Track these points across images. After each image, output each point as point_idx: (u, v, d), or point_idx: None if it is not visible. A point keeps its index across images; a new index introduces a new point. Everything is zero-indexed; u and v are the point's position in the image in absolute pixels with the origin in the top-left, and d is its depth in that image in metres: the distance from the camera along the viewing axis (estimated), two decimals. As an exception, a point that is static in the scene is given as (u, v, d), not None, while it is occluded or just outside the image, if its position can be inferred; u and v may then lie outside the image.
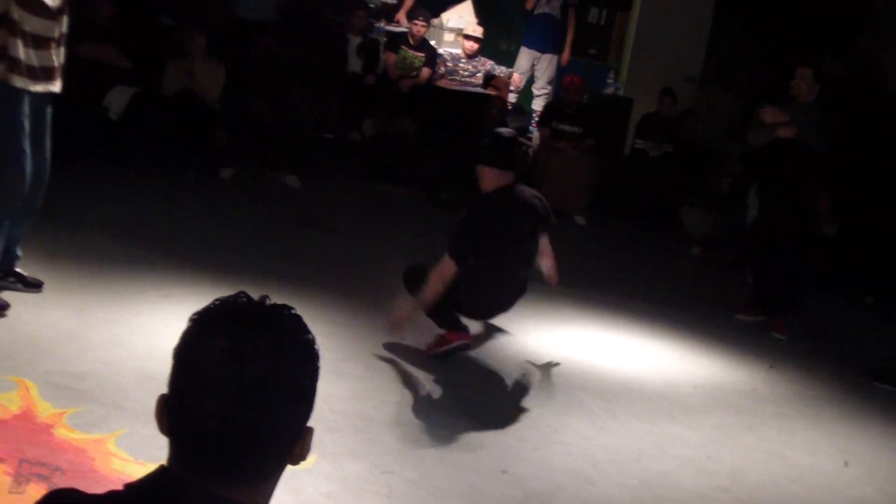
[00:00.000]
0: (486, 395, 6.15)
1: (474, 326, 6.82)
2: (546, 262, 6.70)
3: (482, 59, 12.74)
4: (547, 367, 6.68)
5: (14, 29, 5.49)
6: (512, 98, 13.18)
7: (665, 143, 12.02)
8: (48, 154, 5.93)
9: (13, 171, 5.66)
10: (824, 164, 8.50)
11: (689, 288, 9.70)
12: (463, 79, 12.59)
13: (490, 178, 6.36)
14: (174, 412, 1.69)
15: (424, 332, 6.62)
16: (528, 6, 13.07)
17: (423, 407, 5.71)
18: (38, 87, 5.66)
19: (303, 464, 1.80)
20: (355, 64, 12.20)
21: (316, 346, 1.76)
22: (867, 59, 13.02)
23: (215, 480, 1.66)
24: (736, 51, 14.43)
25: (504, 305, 6.57)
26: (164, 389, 1.72)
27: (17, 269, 6.09)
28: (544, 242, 6.62)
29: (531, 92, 13.39)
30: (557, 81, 13.20)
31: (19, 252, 6.08)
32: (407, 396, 5.81)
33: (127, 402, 4.93)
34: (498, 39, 14.02)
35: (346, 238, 8.97)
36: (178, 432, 1.69)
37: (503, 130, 6.73)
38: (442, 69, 12.47)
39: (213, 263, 7.32)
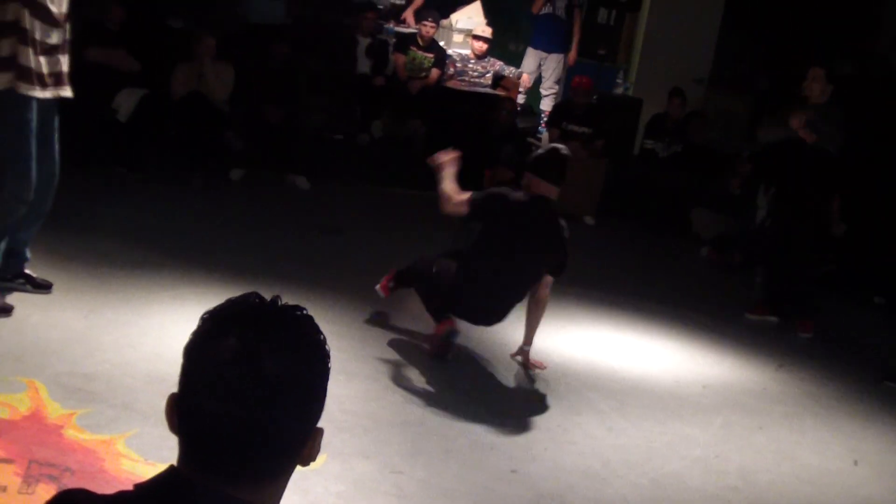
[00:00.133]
0: (496, 396, 6.15)
1: (490, 330, 6.83)
2: (531, 315, 6.61)
3: (491, 59, 12.74)
4: (556, 367, 6.67)
5: (25, 37, 5.51)
6: (521, 99, 13.19)
7: (674, 144, 12.01)
8: (57, 157, 5.95)
9: (20, 176, 5.68)
10: (838, 166, 8.46)
11: (699, 288, 9.69)
12: (472, 79, 12.59)
13: (534, 186, 6.43)
14: (184, 411, 1.69)
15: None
16: (535, 10, 13.08)
17: (432, 407, 5.71)
18: (48, 94, 5.70)
19: (312, 464, 1.79)
20: (364, 65, 12.20)
21: (327, 347, 1.75)
22: (879, 60, 12.98)
23: (225, 480, 1.66)
24: (745, 52, 14.41)
25: (479, 310, 6.57)
26: (174, 390, 1.72)
27: (27, 271, 6.11)
28: (544, 284, 6.53)
29: (539, 93, 13.39)
30: (566, 81, 13.20)
31: (28, 254, 6.10)
32: (417, 397, 5.81)
33: (136, 403, 4.93)
34: (506, 40, 14.01)
35: (356, 239, 8.98)
36: (188, 431, 1.69)
37: (561, 147, 6.73)
38: (451, 70, 12.47)
39: (223, 265, 7.33)
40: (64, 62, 5.77)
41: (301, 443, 1.73)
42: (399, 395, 5.78)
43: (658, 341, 7.67)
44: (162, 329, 5.94)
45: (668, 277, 9.87)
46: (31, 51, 5.54)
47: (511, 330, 6.84)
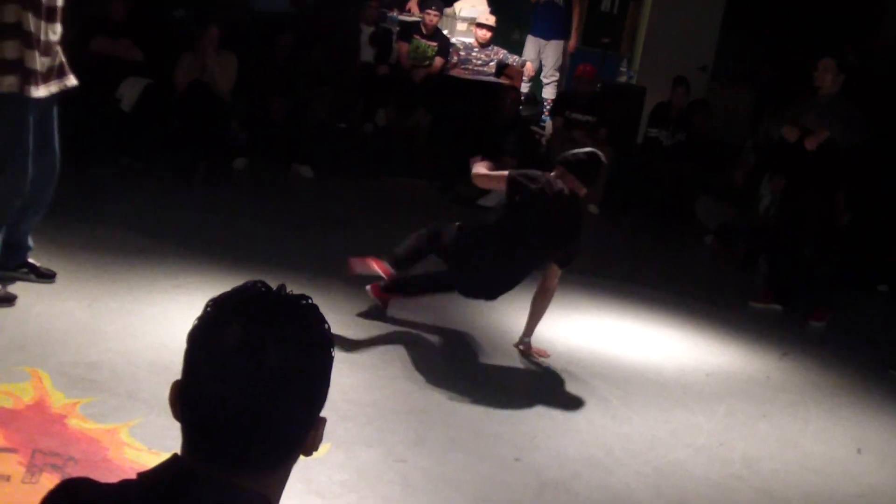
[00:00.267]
0: (499, 384, 6.15)
1: (494, 318, 6.82)
2: (536, 304, 6.59)
3: (495, 48, 12.72)
4: (560, 356, 6.67)
5: (29, 40, 5.51)
6: (525, 87, 13.17)
7: (678, 133, 11.98)
8: (57, 149, 5.95)
9: (15, 172, 5.69)
10: (843, 162, 8.42)
11: (702, 277, 9.68)
12: (476, 68, 12.57)
13: (566, 180, 6.47)
14: (187, 399, 1.69)
15: (438, 320, 6.64)
16: None
17: (436, 396, 5.71)
18: (52, 89, 5.72)
19: (316, 453, 1.79)
20: (368, 54, 12.19)
21: (331, 336, 1.75)
22: (882, 54, 12.92)
23: (228, 469, 1.66)
24: (748, 43, 14.37)
25: (478, 279, 6.57)
26: (178, 378, 1.72)
27: (30, 260, 6.12)
28: (552, 274, 6.52)
29: (541, 81, 13.37)
30: (570, 70, 13.18)
31: (31, 243, 6.11)
32: (420, 386, 5.81)
33: (140, 392, 4.94)
34: (510, 29, 14.00)
35: (360, 229, 8.97)
36: (191, 419, 1.69)
37: (600, 154, 6.78)
38: (455, 58, 12.46)
39: (227, 254, 7.33)
40: (60, 52, 5.78)
41: (304, 432, 1.72)
42: (403, 384, 5.78)
43: (662, 330, 7.67)
44: (165, 318, 5.94)
45: (671, 266, 9.86)
46: (36, 53, 5.56)
47: (514, 319, 6.83)
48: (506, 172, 6.49)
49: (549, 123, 12.61)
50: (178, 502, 1.64)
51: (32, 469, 4.08)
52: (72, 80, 5.87)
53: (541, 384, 6.24)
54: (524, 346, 6.59)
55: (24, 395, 4.70)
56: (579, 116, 11.83)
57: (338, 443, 4.76)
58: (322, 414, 1.76)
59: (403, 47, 12.19)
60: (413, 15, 12.93)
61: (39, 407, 4.64)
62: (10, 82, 5.51)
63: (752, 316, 8.44)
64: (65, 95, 5.91)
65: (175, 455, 1.70)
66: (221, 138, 10.03)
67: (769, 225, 9.73)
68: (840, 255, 10.05)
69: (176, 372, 1.72)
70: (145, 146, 9.75)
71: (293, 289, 1.76)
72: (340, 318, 6.37)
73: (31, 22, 5.50)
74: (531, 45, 13.26)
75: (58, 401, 4.71)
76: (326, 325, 1.75)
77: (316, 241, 8.31)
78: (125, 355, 5.36)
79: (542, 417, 5.70)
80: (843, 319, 8.62)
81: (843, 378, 7.27)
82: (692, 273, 9.71)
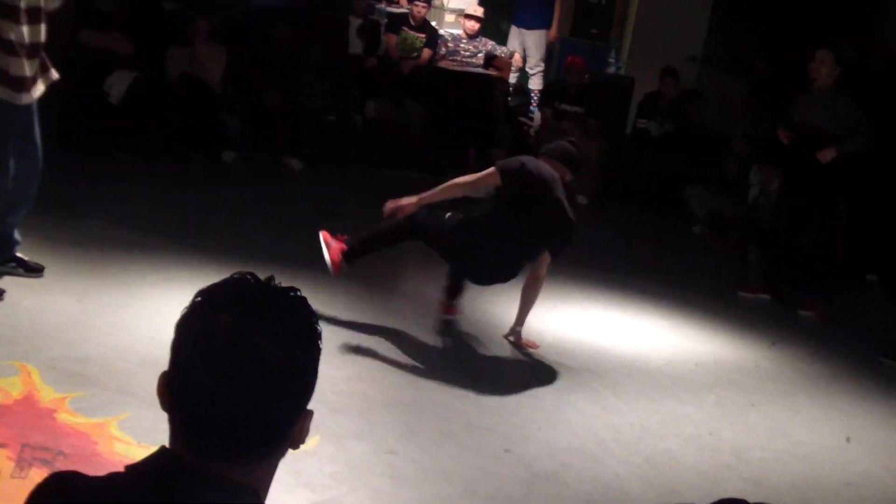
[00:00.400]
0: (489, 376, 6.15)
1: (484, 310, 6.83)
2: (527, 292, 6.60)
3: (483, 39, 12.70)
4: (549, 347, 6.68)
5: (12, 47, 5.51)
6: (513, 78, 13.16)
7: (667, 123, 11.99)
8: (39, 143, 5.93)
9: None
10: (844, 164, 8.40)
11: (692, 267, 9.71)
12: (464, 59, 12.55)
13: (554, 167, 6.51)
14: (174, 389, 1.69)
15: (428, 313, 6.65)
16: None
17: (426, 388, 5.71)
18: (41, 88, 5.72)
19: (306, 445, 1.79)
20: (356, 46, 12.16)
21: (319, 328, 1.75)
22: (879, 45, 12.89)
23: (214, 459, 1.66)
24: (738, 30, 14.35)
25: (484, 266, 6.55)
26: (165, 370, 1.72)
27: (18, 255, 6.10)
28: (542, 262, 6.52)
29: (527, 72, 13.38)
30: (558, 60, 13.18)
31: (18, 237, 6.09)
32: (410, 378, 5.82)
33: (130, 387, 4.93)
34: (498, 20, 13.98)
35: (350, 221, 8.94)
36: (179, 409, 1.69)
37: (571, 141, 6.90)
38: (443, 50, 12.44)
39: (217, 247, 7.32)
40: (43, 54, 5.75)
41: (291, 423, 1.73)
42: (393, 377, 5.78)
43: (651, 320, 7.69)
44: (155, 312, 5.93)
45: (661, 256, 9.88)
46: (22, 60, 5.55)
47: (504, 310, 6.85)
48: (491, 168, 6.44)
49: (537, 115, 12.61)
50: (165, 494, 1.64)
51: (22, 464, 4.08)
52: (54, 75, 5.85)
53: (531, 375, 6.24)
54: (515, 335, 6.60)
55: (13, 389, 4.70)
56: (568, 107, 11.84)
57: (328, 435, 4.76)
58: (312, 406, 1.76)
59: (392, 39, 12.17)
60: (401, 6, 12.90)
61: (28, 402, 4.63)
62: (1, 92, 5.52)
63: (742, 305, 8.47)
64: (51, 89, 5.89)
65: (163, 447, 1.70)
66: (214, 130, 10.01)
67: (759, 214, 9.75)
68: (831, 245, 10.07)
69: (165, 366, 1.72)
70: (134, 140, 9.72)
71: (282, 281, 1.76)
72: (330, 311, 6.37)
73: (10, 30, 5.48)
74: (514, 35, 13.27)
75: (47, 395, 4.71)
76: (315, 318, 1.75)
77: (305, 233, 8.28)
78: (115, 349, 5.35)
79: (532, 409, 5.71)
80: (832, 309, 8.65)
81: (832, 367, 7.30)
82: (681, 263, 9.73)
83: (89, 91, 9.33)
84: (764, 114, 11.23)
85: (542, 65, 13.19)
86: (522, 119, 12.43)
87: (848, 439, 6.05)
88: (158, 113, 9.84)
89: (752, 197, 10.49)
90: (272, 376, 1.65)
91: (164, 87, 9.87)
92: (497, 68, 12.55)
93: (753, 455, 5.60)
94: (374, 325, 6.47)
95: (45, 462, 4.12)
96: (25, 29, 5.53)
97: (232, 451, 1.67)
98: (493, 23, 13.50)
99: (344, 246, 6.51)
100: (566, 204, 6.44)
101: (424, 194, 6.35)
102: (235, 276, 1.75)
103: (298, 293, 1.76)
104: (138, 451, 4.25)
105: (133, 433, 4.49)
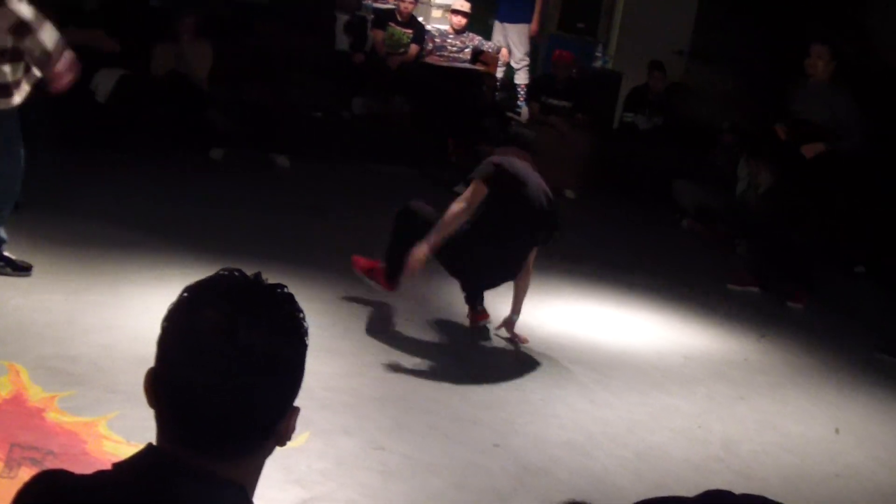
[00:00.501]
0: (478, 370, 6.15)
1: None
2: (520, 282, 6.60)
3: (470, 34, 12.71)
4: (538, 341, 6.68)
5: None
6: (500, 73, 13.16)
7: (655, 117, 12.01)
8: (21, 146, 5.92)
9: None
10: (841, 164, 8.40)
11: (680, 260, 9.72)
12: (451, 55, 12.55)
13: (522, 157, 6.52)
14: (161, 384, 1.69)
15: (416, 307, 6.64)
16: None
17: (414, 383, 5.71)
18: (26, 89, 5.74)
19: (295, 442, 1.80)
20: (343, 42, 12.16)
21: (306, 324, 1.75)
22: (867, 34, 12.88)
23: (201, 456, 1.66)
24: (726, 24, 14.34)
25: (483, 271, 6.55)
26: (152, 366, 1.72)
27: (5, 253, 6.09)
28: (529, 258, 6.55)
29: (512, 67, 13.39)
30: (545, 54, 13.18)
31: (4, 234, 6.07)
32: (398, 373, 5.81)
33: (118, 385, 4.91)
34: (485, 15, 13.98)
35: (338, 217, 8.97)
36: (165, 405, 1.70)
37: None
38: (430, 45, 12.44)
39: (205, 245, 7.30)
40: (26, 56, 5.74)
41: (278, 419, 1.73)
42: (381, 372, 5.77)
43: (640, 313, 7.70)
44: (144, 310, 5.91)
45: (649, 250, 9.89)
46: (4, 68, 5.54)
47: (493, 306, 6.84)
48: (473, 185, 6.29)
49: (524, 109, 12.61)
50: (153, 490, 1.64)
51: (11, 463, 4.07)
52: (38, 73, 5.83)
53: (520, 369, 6.24)
54: (508, 325, 6.59)
55: (1, 389, 4.68)
56: (556, 102, 11.85)
57: (316, 431, 4.76)
58: (300, 403, 1.76)
59: (378, 35, 12.16)
60: (388, 2, 12.89)
61: (17, 401, 4.62)
62: None
63: (731, 298, 8.49)
64: (35, 88, 5.88)
65: (150, 444, 1.70)
66: (200, 127, 10.00)
67: (747, 207, 9.77)
68: (827, 241, 10.10)
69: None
70: (122, 137, 9.70)
71: (270, 277, 1.76)
72: (317, 307, 6.36)
73: None
74: (497, 30, 13.29)
75: (35, 394, 4.70)
76: (302, 314, 1.75)
77: (294, 229, 8.30)
78: (104, 348, 5.33)
79: (521, 402, 5.71)
80: (820, 301, 8.67)
81: (820, 359, 7.31)
82: (670, 256, 9.74)
83: (75, 90, 9.28)
84: (755, 107, 11.24)
85: (528, 59, 13.19)
86: (510, 114, 12.43)
87: (837, 431, 6.06)
88: (145, 110, 9.81)
89: (740, 190, 10.51)
90: (259, 372, 1.65)
91: (151, 84, 9.84)
92: (484, 63, 12.55)
93: (743, 447, 5.61)
94: (362, 321, 6.46)
95: (34, 461, 4.11)
96: (6, 35, 5.51)
97: (218, 446, 1.67)
98: (480, 18, 13.51)
99: (378, 266, 6.62)
100: (547, 190, 6.44)
101: (431, 239, 6.20)
102: (223, 272, 1.75)
103: (286, 289, 1.76)
104: (127, 450, 4.24)
105: (122, 432, 4.48)
